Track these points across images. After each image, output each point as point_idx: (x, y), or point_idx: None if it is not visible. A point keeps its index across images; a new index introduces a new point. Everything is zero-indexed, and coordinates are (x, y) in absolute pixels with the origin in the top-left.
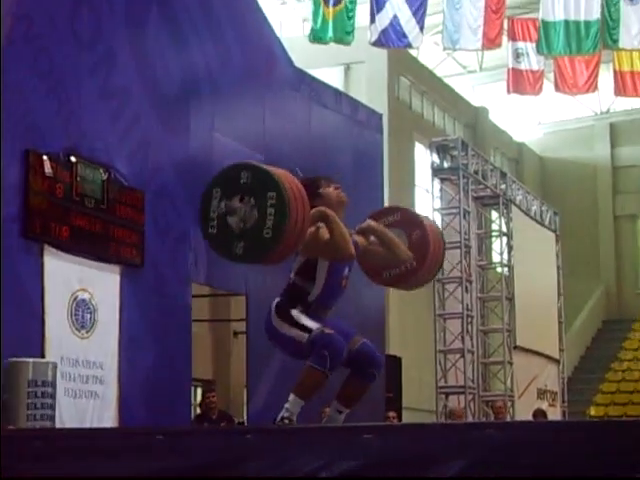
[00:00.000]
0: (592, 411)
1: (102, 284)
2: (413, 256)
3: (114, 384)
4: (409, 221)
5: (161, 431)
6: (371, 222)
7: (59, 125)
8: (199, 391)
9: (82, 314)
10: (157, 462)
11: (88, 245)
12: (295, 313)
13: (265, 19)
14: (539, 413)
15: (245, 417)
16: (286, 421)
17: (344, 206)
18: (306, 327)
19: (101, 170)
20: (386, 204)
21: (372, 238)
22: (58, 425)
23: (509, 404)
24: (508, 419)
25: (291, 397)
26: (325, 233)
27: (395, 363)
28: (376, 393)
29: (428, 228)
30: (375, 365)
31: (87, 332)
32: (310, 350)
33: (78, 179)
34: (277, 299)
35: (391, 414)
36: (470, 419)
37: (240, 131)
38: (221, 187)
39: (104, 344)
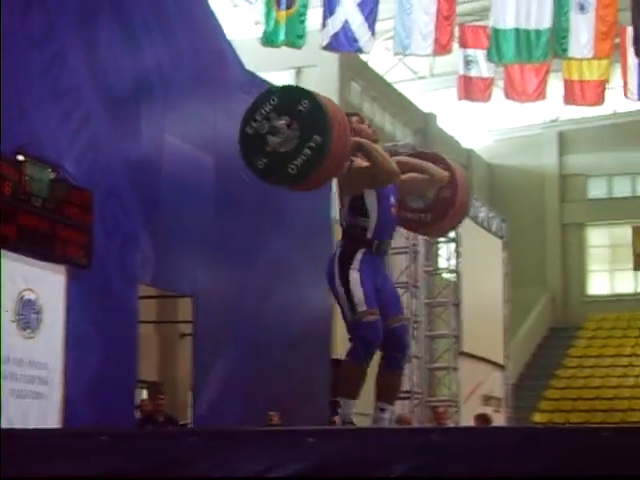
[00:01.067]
0: (536, 417)
1: (48, 284)
2: (448, 175)
3: (59, 385)
4: (430, 159)
5: (105, 432)
6: (400, 157)
7: (8, 124)
8: (144, 393)
9: (28, 314)
10: (100, 464)
11: (34, 245)
12: (353, 275)
13: (217, 22)
14: (481, 418)
15: (190, 419)
16: (348, 424)
17: (376, 144)
18: (353, 303)
19: (49, 169)
20: (335, 206)
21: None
22: (5, 425)
23: (454, 410)
24: (452, 424)
25: (340, 401)
26: (361, 162)
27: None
28: (320, 397)
29: (460, 189)
30: (399, 349)
31: (32, 332)
32: (349, 331)
33: (26, 178)
34: (338, 248)
35: (337, 418)
36: (416, 424)
37: (191, 133)
38: (254, 119)
39: (49, 344)
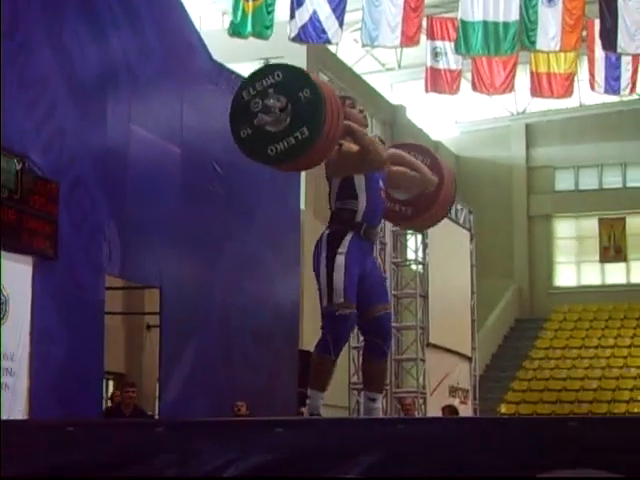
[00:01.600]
0: (503, 409)
1: (14, 275)
2: (437, 181)
3: (25, 376)
4: (433, 172)
5: (71, 423)
6: (394, 150)
7: None
8: (111, 384)
9: None
10: (67, 455)
11: (1, 236)
12: (338, 262)
13: (185, 12)
14: (448, 409)
15: (157, 411)
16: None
17: (366, 129)
18: (332, 291)
19: (15, 160)
20: (303, 199)
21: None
22: None
23: (421, 401)
24: (419, 416)
25: (309, 392)
26: (351, 147)
27: (308, 359)
28: (288, 389)
29: (445, 185)
30: (383, 337)
31: None
32: (321, 319)
33: None
34: (326, 230)
35: (304, 410)
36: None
37: (157, 123)
38: (253, 87)
39: (15, 336)
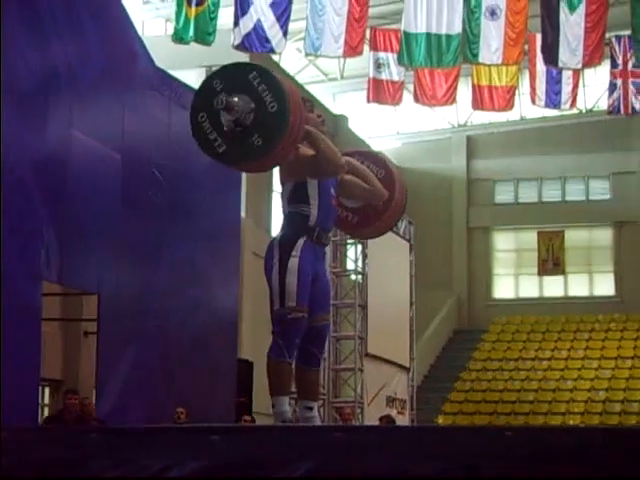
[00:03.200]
0: (440, 419)
1: None
2: (387, 196)
3: None
4: (386, 183)
5: (6, 429)
6: (349, 158)
7: None
8: (47, 391)
9: None
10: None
11: None
12: (290, 265)
13: (127, 17)
14: (386, 419)
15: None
16: (288, 423)
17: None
18: (284, 294)
19: None
20: (243, 207)
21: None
22: None
23: (358, 411)
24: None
25: (272, 400)
26: (306, 150)
27: (247, 367)
28: (225, 397)
29: (397, 195)
30: (319, 347)
31: None
32: (272, 322)
33: None
34: (279, 234)
35: (246, 417)
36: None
37: (99, 129)
38: (224, 80)
39: None
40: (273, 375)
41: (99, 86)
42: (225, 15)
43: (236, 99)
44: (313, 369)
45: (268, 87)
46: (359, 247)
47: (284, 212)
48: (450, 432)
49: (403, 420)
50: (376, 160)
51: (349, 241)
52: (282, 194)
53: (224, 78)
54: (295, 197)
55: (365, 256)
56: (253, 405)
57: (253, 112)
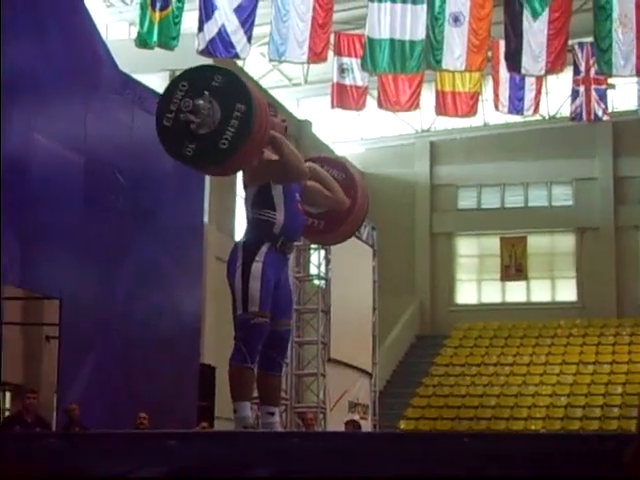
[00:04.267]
0: (402, 425)
1: None
2: (348, 203)
3: None
4: (347, 187)
5: None
6: (312, 164)
7: None
8: (8, 395)
9: None
10: None
11: None
12: (254, 271)
13: (91, 21)
14: (352, 424)
15: (54, 423)
16: (250, 430)
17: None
18: (247, 299)
19: None
20: (206, 212)
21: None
22: None
23: (320, 416)
24: (319, 431)
25: (234, 405)
26: (270, 155)
27: (209, 372)
28: (188, 402)
29: (359, 199)
30: (280, 352)
31: None
32: (235, 327)
33: None
34: (242, 239)
35: (203, 424)
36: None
37: (61, 132)
38: (189, 83)
39: None
40: (235, 380)
41: (62, 89)
42: (189, 19)
43: (202, 102)
44: (275, 374)
45: (234, 90)
46: (322, 252)
47: (248, 217)
48: (407, 438)
49: (365, 425)
50: (337, 164)
51: (312, 246)
52: (246, 198)
53: (190, 81)
54: (259, 201)
55: (328, 261)
56: (215, 410)
57: (219, 114)
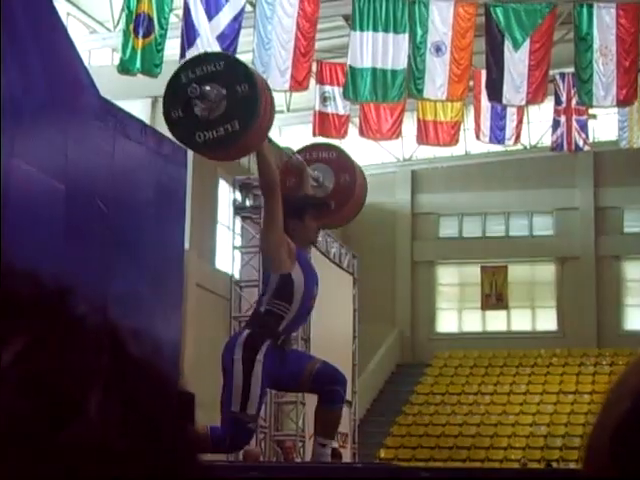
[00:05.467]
0: (382, 453)
1: None
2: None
3: None
4: (343, 164)
5: None
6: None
7: None
8: None
9: None
10: None
11: None
12: (255, 372)
13: (73, 47)
14: (332, 452)
15: None
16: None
17: (311, 243)
18: (247, 399)
19: None
20: (187, 239)
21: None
22: None
23: (300, 445)
24: (298, 459)
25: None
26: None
27: (189, 399)
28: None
29: (358, 175)
30: (336, 382)
31: None
32: (223, 417)
33: None
34: (245, 331)
35: None
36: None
37: (41, 159)
38: (193, 71)
39: None
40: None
41: (42, 115)
42: (171, 46)
43: (208, 88)
44: (336, 406)
45: (236, 72)
46: None
47: (258, 308)
48: (367, 472)
49: (345, 454)
50: (328, 147)
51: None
52: (264, 287)
53: (194, 69)
54: (279, 292)
55: None
56: None
57: (225, 98)
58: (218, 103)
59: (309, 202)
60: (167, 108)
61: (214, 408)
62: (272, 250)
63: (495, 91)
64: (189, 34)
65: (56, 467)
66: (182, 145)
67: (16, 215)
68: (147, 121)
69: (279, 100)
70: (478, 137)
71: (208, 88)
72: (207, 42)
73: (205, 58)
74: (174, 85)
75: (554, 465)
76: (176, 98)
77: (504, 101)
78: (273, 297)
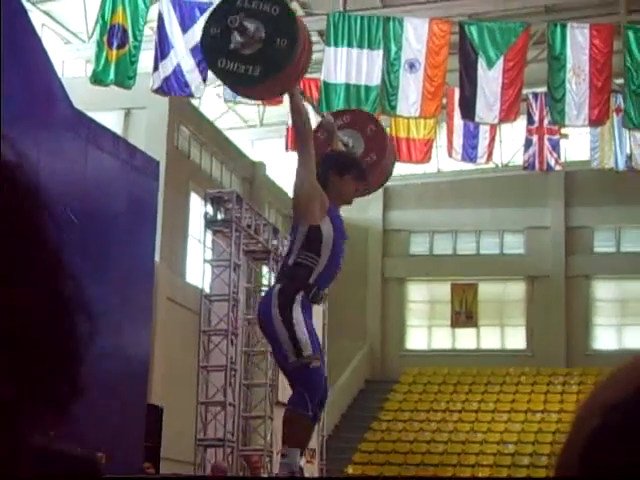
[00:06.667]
0: (350, 469)
1: None
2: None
3: None
4: (360, 119)
5: None
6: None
7: None
8: None
9: None
10: None
11: None
12: (295, 316)
13: (47, 57)
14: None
15: None
16: (296, 475)
17: (345, 203)
18: (299, 347)
19: None
20: (158, 252)
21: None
22: None
23: (267, 459)
24: (265, 474)
25: (285, 450)
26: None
27: (157, 413)
28: (134, 442)
29: (387, 145)
30: (323, 402)
31: None
32: (290, 376)
33: None
34: (277, 286)
35: (146, 465)
36: (229, 474)
37: None
38: (250, 1)
39: None
40: (294, 427)
41: (14, 126)
42: (145, 58)
43: (251, 25)
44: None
45: (283, 24)
46: None
47: (286, 261)
48: None
49: (312, 469)
50: (358, 116)
51: (263, 288)
52: (292, 239)
53: (249, 1)
54: (307, 245)
55: None
56: (162, 451)
57: (261, 43)
58: (253, 43)
59: (356, 163)
60: (210, 21)
61: (183, 420)
62: (303, 199)
63: (468, 109)
64: (163, 46)
65: None
66: (205, 57)
67: None
68: (120, 133)
69: (252, 114)
70: (450, 155)
71: (250, 25)
72: (181, 54)
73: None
74: (229, 3)
75: None
76: (222, 17)
77: (477, 119)
78: (302, 249)
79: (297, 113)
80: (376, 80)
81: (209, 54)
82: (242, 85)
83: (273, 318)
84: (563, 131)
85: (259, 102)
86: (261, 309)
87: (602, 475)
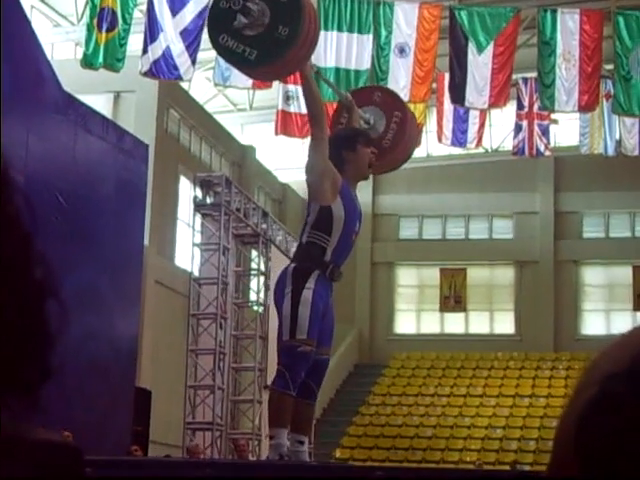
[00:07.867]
0: (338, 453)
1: None
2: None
3: None
4: (391, 103)
5: None
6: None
7: None
8: None
9: None
10: None
11: None
12: (305, 295)
13: (36, 40)
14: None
15: None
16: (286, 458)
17: (365, 175)
18: (295, 326)
19: None
20: (147, 235)
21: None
22: None
23: (256, 443)
24: (252, 457)
25: (272, 431)
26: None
27: (145, 396)
28: (122, 425)
29: (408, 111)
30: (318, 380)
31: None
32: (278, 353)
33: None
34: (293, 263)
35: (134, 448)
36: (216, 456)
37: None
38: None
39: None
40: (275, 406)
41: (3, 108)
42: (134, 42)
43: (255, 7)
44: (310, 402)
45: (289, 15)
46: (262, 279)
47: (301, 240)
48: (320, 470)
49: None
50: (380, 89)
51: (252, 272)
52: (307, 217)
53: None
54: (318, 224)
55: (267, 288)
56: (150, 434)
57: (262, 28)
58: (256, 26)
59: (357, 131)
60: (214, 34)
61: (171, 402)
62: (314, 179)
63: (458, 94)
64: (152, 29)
65: None
66: (209, 29)
67: None
68: (109, 116)
69: (242, 98)
70: (440, 139)
71: (254, 7)
72: (170, 38)
73: None
74: (219, 7)
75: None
76: (222, 23)
77: (467, 104)
78: (313, 228)
79: (309, 96)
80: (366, 64)
81: (214, 27)
82: (238, 65)
83: (285, 298)
84: (553, 116)
85: (249, 86)
86: (276, 288)
87: (596, 443)
